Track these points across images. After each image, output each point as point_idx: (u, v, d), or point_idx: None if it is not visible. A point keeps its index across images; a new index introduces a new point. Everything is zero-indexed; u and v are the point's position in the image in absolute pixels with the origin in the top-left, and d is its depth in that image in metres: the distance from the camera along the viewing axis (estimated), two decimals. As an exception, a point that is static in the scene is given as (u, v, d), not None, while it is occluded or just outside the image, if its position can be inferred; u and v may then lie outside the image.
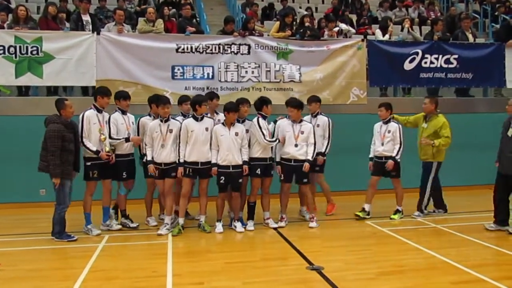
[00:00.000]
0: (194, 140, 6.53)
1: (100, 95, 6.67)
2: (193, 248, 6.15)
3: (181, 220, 6.69)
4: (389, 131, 7.27)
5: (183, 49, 8.66)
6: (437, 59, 9.75)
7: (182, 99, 7.11)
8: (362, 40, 9.48)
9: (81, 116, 6.53)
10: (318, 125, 7.19)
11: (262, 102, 6.86)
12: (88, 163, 6.56)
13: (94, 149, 6.51)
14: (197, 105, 6.53)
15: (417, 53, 9.63)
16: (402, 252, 5.86)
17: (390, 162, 7.20)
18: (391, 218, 7.34)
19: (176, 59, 8.63)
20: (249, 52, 8.92)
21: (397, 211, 7.42)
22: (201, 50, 8.73)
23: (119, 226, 6.76)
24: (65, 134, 6.14)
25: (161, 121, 6.55)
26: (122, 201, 6.91)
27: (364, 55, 9.41)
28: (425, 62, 9.70)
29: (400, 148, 7.25)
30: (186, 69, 8.67)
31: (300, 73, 9.10)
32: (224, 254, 5.83)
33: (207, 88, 8.67)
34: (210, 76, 8.77)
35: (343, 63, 9.26)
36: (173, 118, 6.72)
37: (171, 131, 6.56)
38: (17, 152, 8.29)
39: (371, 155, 7.49)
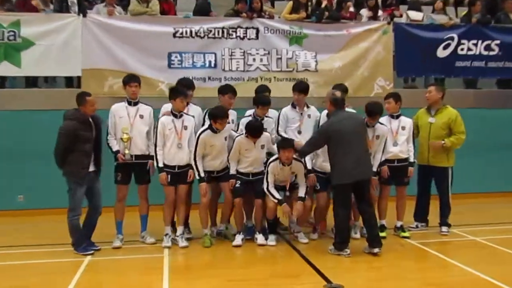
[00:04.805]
0: (215, 154, 6.64)
1: (123, 84, 6.76)
2: (193, 263, 6.15)
3: (206, 230, 6.77)
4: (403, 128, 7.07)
5: (182, 33, 8.69)
6: (475, 45, 9.71)
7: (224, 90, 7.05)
8: (388, 23, 9.46)
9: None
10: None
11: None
12: (115, 163, 6.64)
13: (115, 149, 6.57)
14: (212, 119, 6.51)
15: (452, 38, 9.60)
16: (435, 268, 5.82)
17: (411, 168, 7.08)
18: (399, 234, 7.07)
19: (173, 45, 8.65)
20: (257, 37, 8.93)
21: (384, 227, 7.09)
22: (202, 35, 8.75)
23: (153, 240, 6.75)
24: (79, 133, 6.12)
25: (175, 116, 6.54)
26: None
27: (391, 40, 9.38)
28: (462, 49, 9.67)
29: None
30: (185, 56, 8.69)
31: (316, 61, 9.10)
32: (228, 270, 5.83)
33: (209, 78, 8.70)
34: (212, 65, 8.78)
35: (365, 49, 9.25)
36: (186, 113, 6.69)
37: (186, 127, 6.57)
38: (-9, 152, 8.35)
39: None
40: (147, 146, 6.68)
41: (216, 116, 6.47)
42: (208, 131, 6.56)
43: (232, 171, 6.71)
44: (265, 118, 6.94)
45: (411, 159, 7.07)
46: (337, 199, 6.29)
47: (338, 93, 6.42)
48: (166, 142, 6.50)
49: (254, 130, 6.54)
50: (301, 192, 6.72)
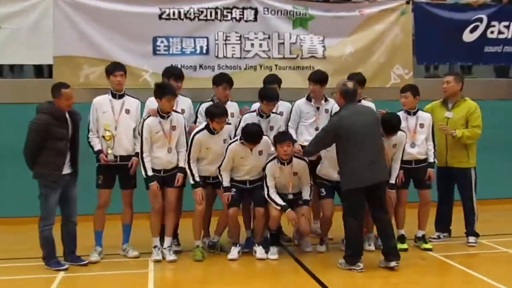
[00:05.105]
0: (212, 158, 6.67)
1: (106, 74, 6.78)
2: (182, 278, 6.21)
3: (198, 242, 6.78)
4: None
5: (168, 14, 8.68)
6: (507, 27, 9.75)
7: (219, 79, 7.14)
8: (408, 3, 9.45)
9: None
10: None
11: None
12: (96, 165, 6.68)
13: (97, 148, 6.61)
14: (209, 118, 6.55)
15: (480, 20, 9.62)
16: (460, 284, 5.89)
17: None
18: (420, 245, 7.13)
19: (159, 28, 8.66)
20: (255, 19, 8.94)
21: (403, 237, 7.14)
22: (192, 16, 8.75)
23: (136, 254, 6.78)
24: (53, 129, 6.11)
25: (162, 117, 6.51)
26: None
27: (410, 22, 9.39)
28: (492, 32, 9.69)
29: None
30: (172, 41, 8.70)
31: (323, 47, 9.12)
32: (222, 286, 5.88)
33: (200, 66, 8.72)
34: (204, 51, 8.80)
35: (381, 32, 9.27)
36: (175, 111, 6.66)
37: (174, 128, 6.58)
38: None
39: None
40: (134, 144, 6.70)
41: (213, 114, 6.48)
42: (205, 131, 6.57)
43: (226, 183, 6.68)
44: (272, 115, 6.97)
45: (431, 159, 7.08)
46: (348, 206, 6.26)
47: (350, 84, 6.41)
48: (153, 146, 6.53)
49: (251, 136, 6.48)
50: (305, 194, 6.77)
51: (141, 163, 6.54)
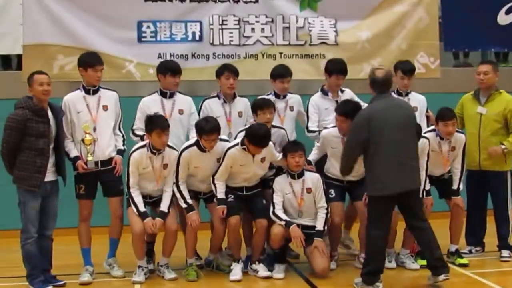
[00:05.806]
0: (202, 176, 6.80)
1: (82, 66, 6.77)
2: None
3: (191, 260, 6.85)
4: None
5: (156, -5, 8.68)
6: (550, 7, 9.74)
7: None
8: (433, -21, 9.44)
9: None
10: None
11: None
12: (74, 172, 6.72)
13: (73, 154, 6.64)
14: (198, 134, 6.56)
15: (518, -1, 9.63)
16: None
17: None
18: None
19: (144, 11, 8.63)
20: (257, 0, 8.94)
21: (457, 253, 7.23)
22: (183, -3, 8.73)
23: (120, 273, 6.84)
24: (32, 125, 6.15)
25: (153, 152, 6.54)
26: None
27: (436, 2, 9.37)
28: (531, 13, 9.69)
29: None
30: (160, 26, 8.68)
31: (336, 31, 9.09)
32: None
33: (193, 55, 8.72)
34: (197, 37, 8.78)
35: (403, 14, 9.21)
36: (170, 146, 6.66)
37: (165, 166, 6.61)
38: None
39: None
40: (115, 146, 6.76)
41: (200, 130, 6.49)
42: (194, 148, 6.62)
43: (220, 195, 6.72)
44: (273, 130, 6.87)
45: (455, 185, 7.14)
46: (372, 216, 6.21)
47: (379, 72, 6.29)
48: (140, 179, 6.61)
49: (259, 138, 6.46)
50: (319, 224, 6.75)
51: (130, 199, 6.59)
